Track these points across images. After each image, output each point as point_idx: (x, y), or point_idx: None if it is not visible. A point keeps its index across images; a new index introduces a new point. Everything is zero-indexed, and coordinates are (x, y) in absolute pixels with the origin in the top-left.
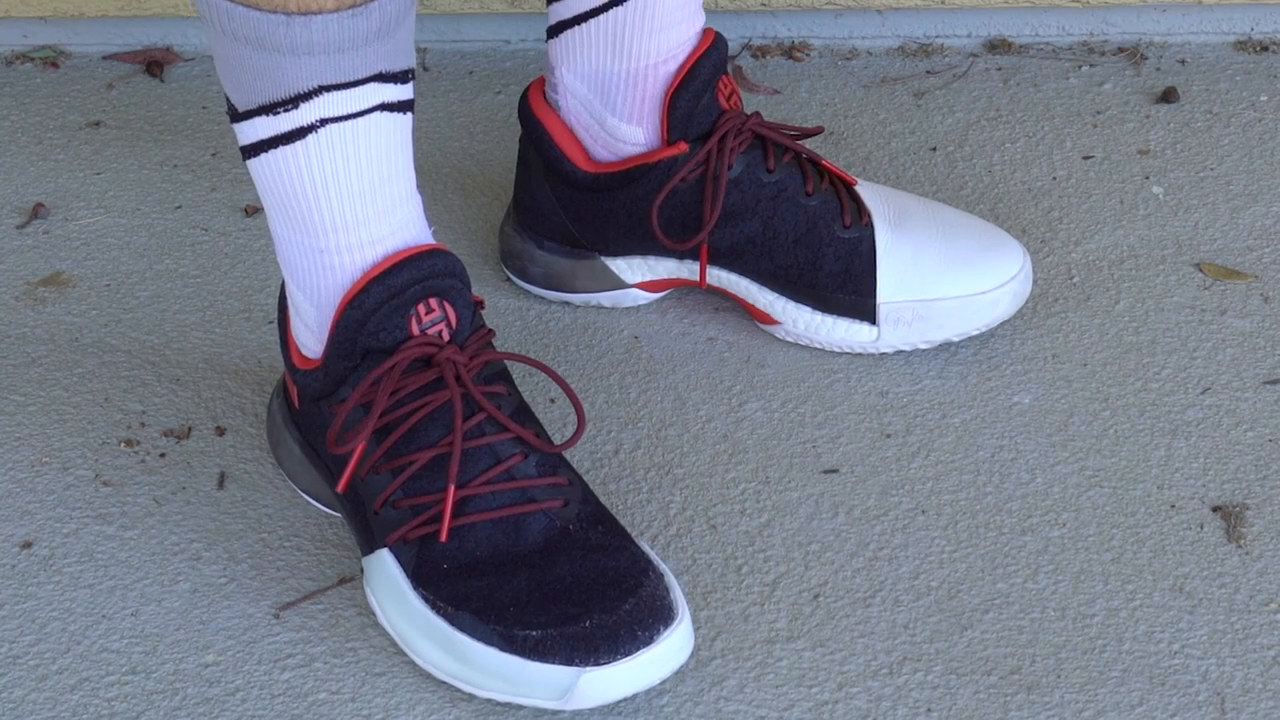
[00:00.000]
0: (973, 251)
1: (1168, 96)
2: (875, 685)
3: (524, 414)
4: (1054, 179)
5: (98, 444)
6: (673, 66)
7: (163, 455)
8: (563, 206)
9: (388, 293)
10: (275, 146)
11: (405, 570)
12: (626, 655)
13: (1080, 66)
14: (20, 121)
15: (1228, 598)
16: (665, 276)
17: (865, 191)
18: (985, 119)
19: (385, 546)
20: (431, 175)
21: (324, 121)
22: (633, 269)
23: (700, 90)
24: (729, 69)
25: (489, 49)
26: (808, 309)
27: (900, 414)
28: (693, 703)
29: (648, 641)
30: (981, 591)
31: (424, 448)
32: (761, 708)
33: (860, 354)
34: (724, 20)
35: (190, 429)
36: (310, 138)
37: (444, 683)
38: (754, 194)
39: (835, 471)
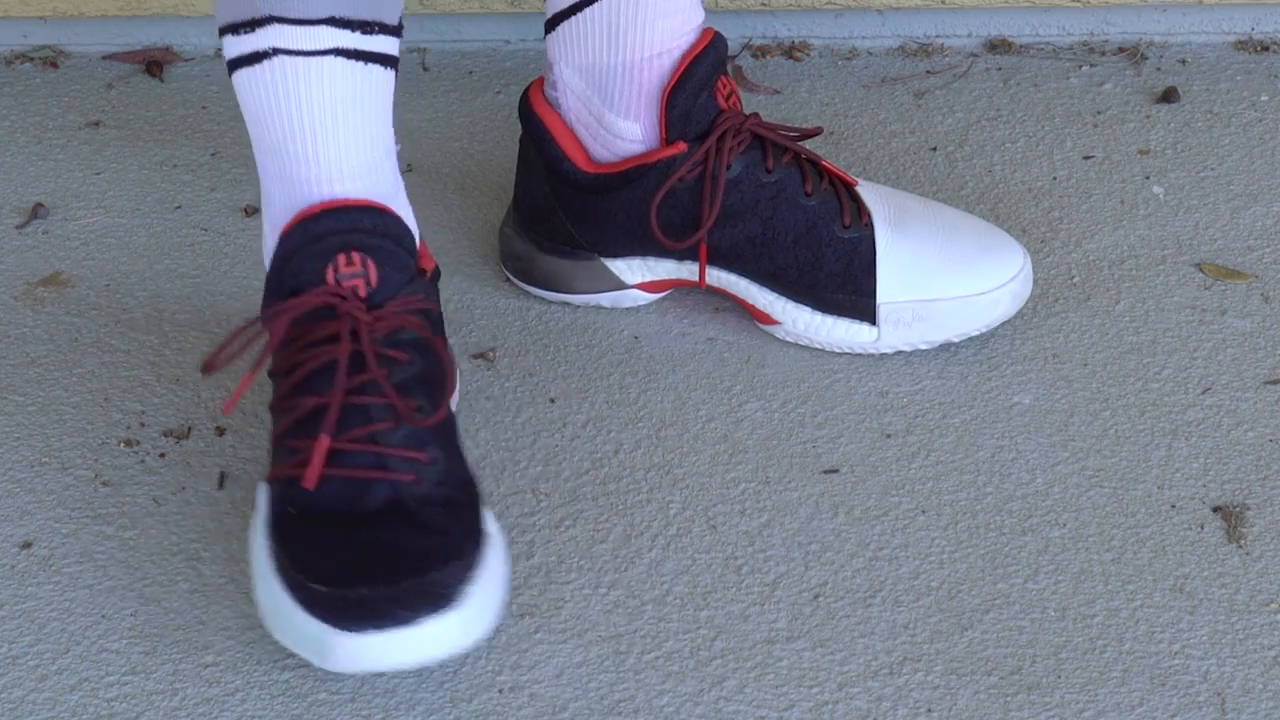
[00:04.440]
0: (973, 252)
1: (1168, 96)
2: (875, 685)
3: (417, 386)
4: (1054, 179)
5: (97, 444)
6: (669, 61)
7: (162, 455)
8: (562, 207)
9: (308, 237)
10: (240, 66)
11: (271, 507)
12: (377, 629)
13: (1080, 66)
14: (20, 121)
15: (1228, 598)
16: (665, 277)
17: (865, 192)
18: (985, 119)
19: (266, 480)
20: (431, 175)
21: (276, 51)
22: (632, 270)
23: (698, 89)
24: (728, 69)
25: (489, 49)
26: (807, 309)
27: (900, 414)
28: (693, 703)
29: (405, 621)
30: (982, 592)
31: (310, 395)
32: (761, 708)
33: (860, 354)
34: (724, 20)
35: (190, 429)
36: (265, 64)
37: (444, 683)
38: (753, 194)
39: (835, 471)
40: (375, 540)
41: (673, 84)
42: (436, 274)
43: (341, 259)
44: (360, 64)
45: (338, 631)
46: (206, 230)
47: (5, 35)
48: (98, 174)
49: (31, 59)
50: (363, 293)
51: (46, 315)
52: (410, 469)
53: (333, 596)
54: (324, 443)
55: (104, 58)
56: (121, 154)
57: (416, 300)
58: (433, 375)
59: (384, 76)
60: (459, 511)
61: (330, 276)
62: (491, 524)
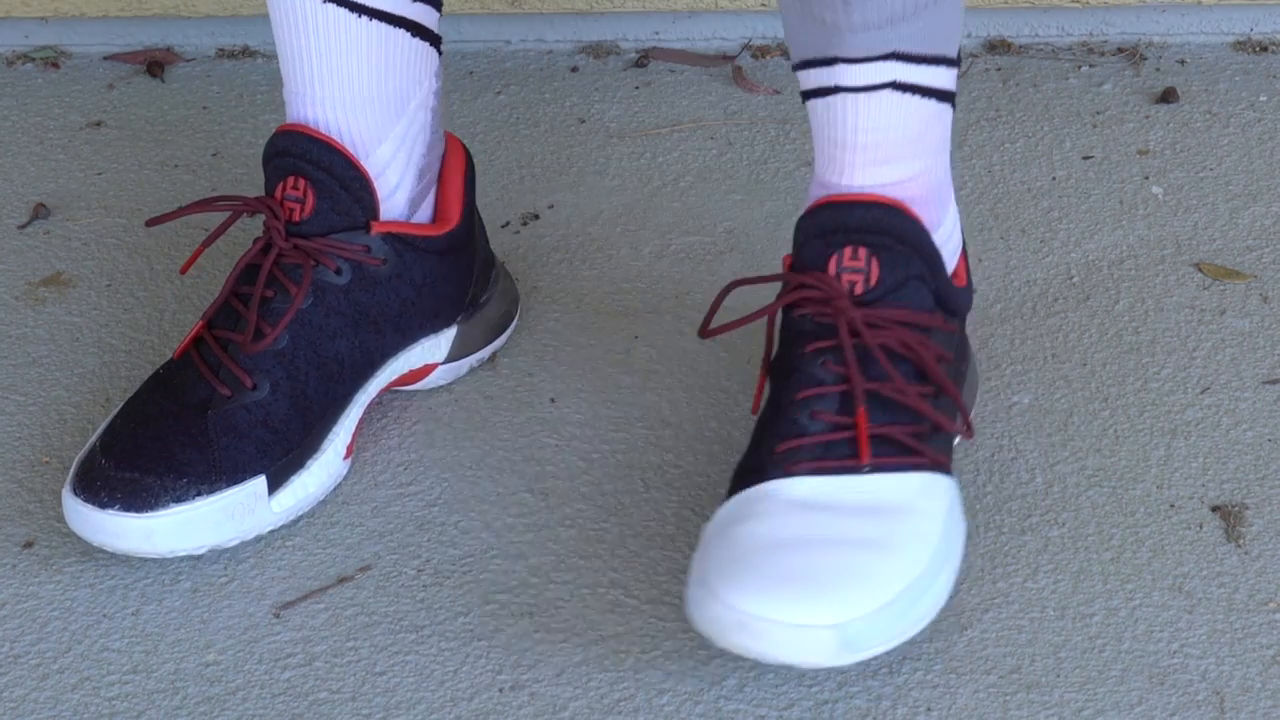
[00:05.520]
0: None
1: (1167, 97)
2: (875, 684)
3: (282, 315)
4: (1054, 179)
5: None
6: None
7: None
8: None
9: (274, 149)
10: None
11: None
12: (85, 500)
13: (1080, 67)
14: (21, 122)
15: (1227, 597)
16: None
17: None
18: (985, 119)
19: None
20: None
21: None
22: None
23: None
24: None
25: (489, 49)
26: None
27: None
28: (693, 702)
29: (101, 505)
30: (981, 591)
31: (226, 284)
32: (761, 707)
33: None
34: (724, 20)
35: None
36: None
37: (444, 682)
38: None
39: None
40: (160, 429)
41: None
42: (447, 240)
43: (290, 180)
44: (355, 15)
45: (69, 490)
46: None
47: (6, 35)
48: (99, 174)
49: (33, 59)
50: (295, 218)
51: (47, 315)
52: (233, 384)
53: (90, 457)
54: (199, 326)
55: (105, 58)
56: (122, 154)
57: (341, 246)
58: (307, 308)
59: (382, 32)
60: (242, 445)
61: (279, 193)
62: (258, 486)
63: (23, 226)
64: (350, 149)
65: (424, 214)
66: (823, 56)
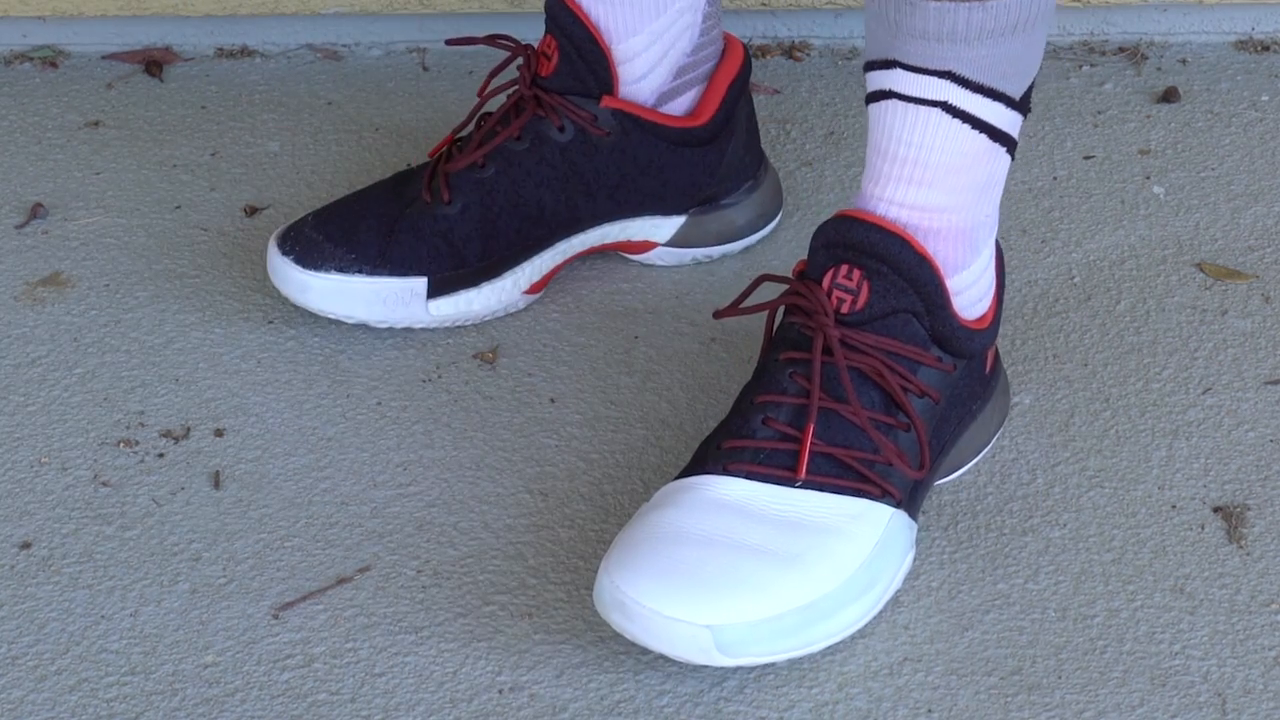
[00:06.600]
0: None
1: (1168, 96)
2: (875, 685)
3: (485, 144)
4: (1054, 179)
5: (97, 444)
6: None
7: (161, 455)
8: None
9: (546, 9)
10: None
11: None
12: (277, 244)
13: (1080, 66)
14: (19, 121)
15: (1229, 598)
16: None
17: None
18: None
19: None
20: None
21: None
22: None
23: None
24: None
25: (489, 49)
26: None
27: None
28: (693, 703)
29: (284, 252)
30: (982, 592)
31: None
32: (761, 708)
33: None
34: (724, 20)
35: (189, 429)
36: None
37: (444, 683)
38: None
39: None
40: (363, 210)
41: None
42: (680, 133)
43: (546, 39)
44: None
45: (274, 235)
46: (206, 230)
47: (5, 35)
48: (97, 174)
49: (31, 59)
50: (543, 72)
51: (46, 315)
52: (433, 196)
53: (306, 216)
54: (448, 138)
55: (103, 57)
56: (121, 154)
57: (569, 107)
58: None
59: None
60: (417, 246)
61: (540, 46)
62: (417, 285)
63: (20, 226)
64: (598, 26)
65: (680, 108)
66: (884, 58)
